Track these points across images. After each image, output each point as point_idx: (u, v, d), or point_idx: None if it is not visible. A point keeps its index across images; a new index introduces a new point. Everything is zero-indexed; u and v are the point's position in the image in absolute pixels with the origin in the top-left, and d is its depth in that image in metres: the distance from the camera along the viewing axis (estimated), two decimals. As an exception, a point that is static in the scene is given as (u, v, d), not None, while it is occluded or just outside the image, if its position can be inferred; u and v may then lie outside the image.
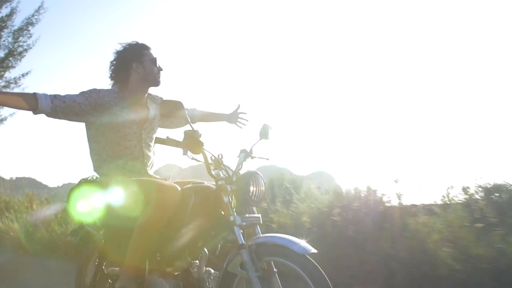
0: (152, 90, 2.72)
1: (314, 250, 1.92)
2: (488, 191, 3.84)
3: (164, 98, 2.79)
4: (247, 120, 3.03)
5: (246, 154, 2.47)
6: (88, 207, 2.54)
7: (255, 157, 2.51)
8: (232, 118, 3.02)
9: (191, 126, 2.16)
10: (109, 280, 2.52)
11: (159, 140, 2.20)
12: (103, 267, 2.58)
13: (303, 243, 1.95)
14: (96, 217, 2.63)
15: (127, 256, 2.27)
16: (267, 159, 2.61)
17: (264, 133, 2.54)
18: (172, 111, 2.13)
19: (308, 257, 1.92)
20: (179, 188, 2.27)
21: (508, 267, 3.19)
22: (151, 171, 2.63)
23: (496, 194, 3.82)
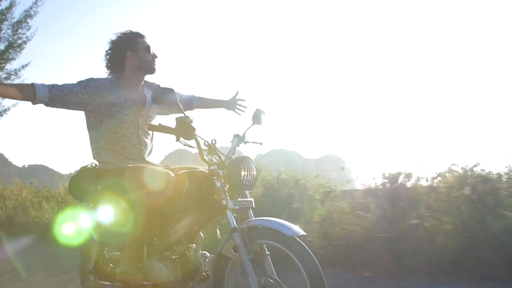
0: (149, 78, 2.75)
1: (303, 233, 1.95)
2: (391, 179, 4.27)
3: (161, 86, 2.82)
4: (246, 107, 3.04)
5: (239, 139, 2.50)
6: (88, 194, 2.61)
7: (248, 142, 2.53)
8: (231, 104, 3.03)
9: (183, 113, 2.19)
10: (111, 265, 2.59)
11: (151, 127, 2.23)
12: (105, 252, 2.64)
13: (293, 226, 1.97)
14: (97, 204, 2.70)
15: (126, 241, 2.33)
16: (261, 143, 2.63)
17: (256, 118, 2.56)
18: (163, 99, 2.15)
19: (298, 239, 1.95)
20: (172, 174, 2.31)
21: (353, 244, 3.94)
22: (148, 157, 2.67)
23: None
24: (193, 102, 3.02)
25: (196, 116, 2.36)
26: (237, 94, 3.05)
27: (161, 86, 2.42)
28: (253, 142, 2.60)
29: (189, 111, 3.04)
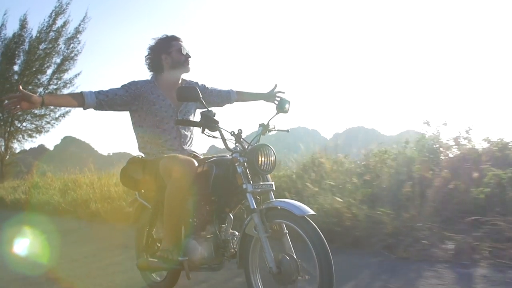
0: (186, 76, 3.01)
1: (312, 212, 2.12)
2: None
3: (199, 83, 3.08)
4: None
5: (264, 128, 2.69)
6: (136, 182, 2.95)
7: (272, 130, 2.72)
8: (270, 97, 3.17)
9: (206, 107, 2.43)
10: (157, 244, 2.92)
11: (178, 122, 2.50)
12: (153, 233, 2.98)
13: (303, 206, 2.15)
14: (145, 190, 3.05)
15: (164, 223, 2.65)
16: (287, 131, 2.81)
17: (281, 107, 2.75)
18: (186, 97, 2.40)
19: (308, 218, 2.12)
20: (195, 162, 2.57)
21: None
22: (189, 147, 2.95)
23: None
24: (231, 96, 3.21)
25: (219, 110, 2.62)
26: (275, 86, 3.19)
27: (180, 86, 2.67)
28: (278, 130, 2.78)
29: (228, 104, 3.25)
